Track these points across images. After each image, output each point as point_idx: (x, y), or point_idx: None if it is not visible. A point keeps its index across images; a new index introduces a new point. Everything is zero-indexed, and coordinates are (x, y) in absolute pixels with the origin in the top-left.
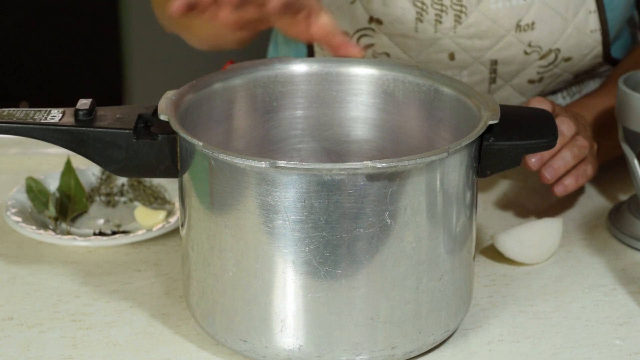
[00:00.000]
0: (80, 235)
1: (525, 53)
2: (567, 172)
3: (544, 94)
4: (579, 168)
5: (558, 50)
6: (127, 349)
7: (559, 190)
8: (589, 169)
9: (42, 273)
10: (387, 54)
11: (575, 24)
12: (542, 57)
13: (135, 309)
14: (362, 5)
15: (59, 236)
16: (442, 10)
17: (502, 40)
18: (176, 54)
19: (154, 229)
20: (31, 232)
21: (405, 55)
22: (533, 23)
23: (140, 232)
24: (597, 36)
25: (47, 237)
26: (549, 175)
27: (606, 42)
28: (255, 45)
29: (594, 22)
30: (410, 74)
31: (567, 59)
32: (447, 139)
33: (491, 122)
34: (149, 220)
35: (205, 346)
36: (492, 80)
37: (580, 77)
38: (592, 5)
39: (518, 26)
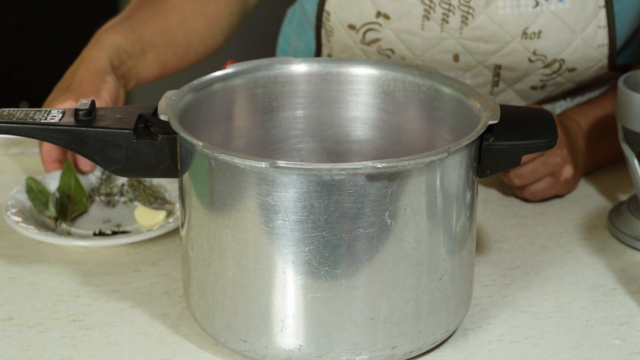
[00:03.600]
0: (80, 236)
1: (530, 60)
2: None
3: (546, 100)
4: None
5: (563, 60)
6: (127, 349)
7: (526, 194)
8: (562, 179)
9: (42, 273)
10: (392, 51)
11: (583, 37)
12: (546, 66)
13: (135, 309)
14: None
15: (58, 236)
16: (449, 10)
17: (508, 46)
18: None
19: (154, 228)
20: (31, 232)
21: (410, 54)
22: (540, 32)
23: (140, 232)
24: (604, 50)
25: (48, 237)
26: (517, 180)
27: (612, 56)
28: (263, 39)
29: (602, 37)
30: (410, 74)
31: (571, 70)
32: (447, 139)
33: (491, 122)
34: (149, 220)
35: (205, 346)
36: (495, 84)
37: (583, 86)
38: (603, 21)
39: (524, 33)
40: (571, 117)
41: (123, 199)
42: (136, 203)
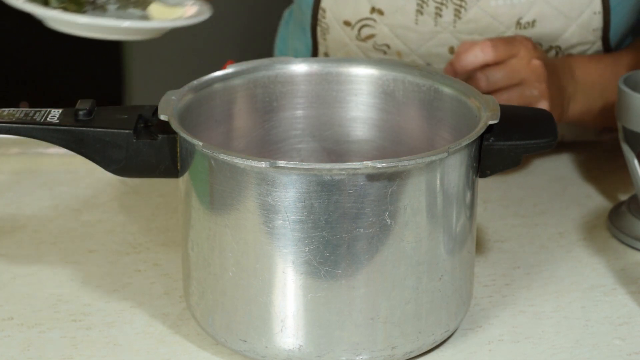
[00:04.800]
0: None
1: None
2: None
3: None
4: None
5: (559, 47)
6: (127, 349)
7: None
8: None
9: (42, 273)
10: (388, 46)
11: (578, 23)
12: None
13: (135, 309)
14: None
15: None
16: (442, 4)
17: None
18: (176, 54)
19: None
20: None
21: (406, 48)
22: (534, 21)
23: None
24: (599, 33)
25: (57, 12)
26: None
27: (606, 38)
28: (263, 39)
29: (597, 21)
30: (410, 74)
31: (568, 55)
32: (447, 139)
33: (491, 122)
34: (166, 15)
35: (205, 346)
36: None
37: None
38: (598, 7)
39: (518, 23)
40: (563, 59)
41: (113, 6)
42: (131, 9)
